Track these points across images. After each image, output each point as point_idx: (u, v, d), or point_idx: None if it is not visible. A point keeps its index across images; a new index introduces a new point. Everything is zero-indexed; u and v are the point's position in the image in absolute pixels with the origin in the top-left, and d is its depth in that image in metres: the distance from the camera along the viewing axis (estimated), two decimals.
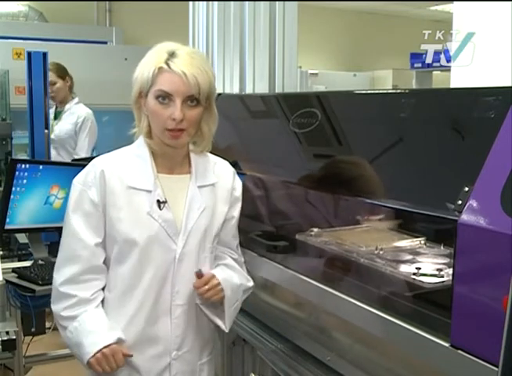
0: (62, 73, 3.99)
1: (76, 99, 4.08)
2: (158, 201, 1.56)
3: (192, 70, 1.49)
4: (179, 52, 1.52)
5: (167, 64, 1.49)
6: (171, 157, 1.61)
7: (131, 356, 1.54)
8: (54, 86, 3.95)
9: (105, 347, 1.50)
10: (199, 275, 1.56)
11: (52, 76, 3.89)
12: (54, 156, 3.95)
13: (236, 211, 1.72)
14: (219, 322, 1.64)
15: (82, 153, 3.95)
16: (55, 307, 1.58)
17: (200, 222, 1.61)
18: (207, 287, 1.57)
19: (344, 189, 1.82)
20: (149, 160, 1.59)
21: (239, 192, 1.72)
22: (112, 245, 1.57)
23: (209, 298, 1.58)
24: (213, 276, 1.59)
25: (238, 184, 1.73)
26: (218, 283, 1.59)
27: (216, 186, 1.66)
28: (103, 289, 1.60)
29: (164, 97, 1.49)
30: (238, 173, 1.78)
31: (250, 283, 1.74)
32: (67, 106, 4.04)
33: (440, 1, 7.94)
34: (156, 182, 1.57)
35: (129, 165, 1.59)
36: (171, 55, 1.51)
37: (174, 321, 1.59)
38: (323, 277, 1.76)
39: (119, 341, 1.53)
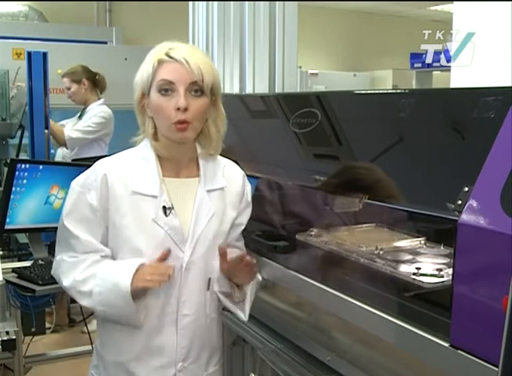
0: (76, 77, 3.99)
1: (100, 101, 4.05)
2: (164, 207, 1.49)
3: (193, 58, 1.45)
4: (179, 45, 1.49)
5: (167, 54, 1.46)
6: (178, 160, 1.55)
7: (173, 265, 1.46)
8: (69, 91, 4.01)
9: (140, 265, 1.45)
10: (223, 253, 1.48)
11: (66, 82, 4.00)
12: (69, 154, 3.95)
13: (246, 218, 1.67)
14: (239, 312, 1.60)
15: (72, 134, 3.82)
16: (68, 278, 1.50)
17: (209, 229, 1.53)
18: (244, 262, 1.48)
19: (344, 190, 1.82)
20: (154, 162, 1.52)
21: (249, 197, 1.67)
22: (116, 253, 1.51)
23: (243, 277, 1.53)
24: (245, 254, 1.52)
25: (248, 189, 1.67)
26: (252, 261, 1.51)
27: (225, 190, 1.59)
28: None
29: (167, 89, 1.44)
30: (251, 176, 1.74)
31: (260, 277, 1.67)
32: (89, 107, 4.02)
33: (440, 1, 7.94)
34: (161, 187, 1.50)
35: (133, 169, 1.52)
36: (171, 48, 1.47)
37: (180, 332, 1.52)
38: (323, 277, 1.76)
39: None
